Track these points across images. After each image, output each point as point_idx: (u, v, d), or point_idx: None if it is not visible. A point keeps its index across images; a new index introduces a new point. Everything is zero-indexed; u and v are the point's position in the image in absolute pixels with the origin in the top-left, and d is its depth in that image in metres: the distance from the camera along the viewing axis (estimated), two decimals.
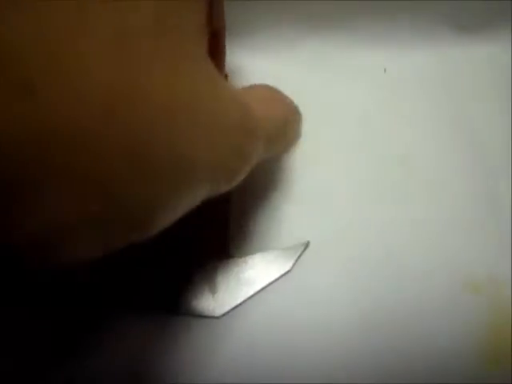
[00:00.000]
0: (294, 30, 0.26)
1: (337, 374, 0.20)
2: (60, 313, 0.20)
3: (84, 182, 0.09)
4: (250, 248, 0.22)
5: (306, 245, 0.22)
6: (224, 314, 0.21)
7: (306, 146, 0.24)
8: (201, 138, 0.11)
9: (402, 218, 0.23)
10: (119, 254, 0.11)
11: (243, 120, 0.14)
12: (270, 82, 0.23)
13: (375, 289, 0.21)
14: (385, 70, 0.26)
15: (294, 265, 0.21)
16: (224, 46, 0.17)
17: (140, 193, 0.10)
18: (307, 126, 0.24)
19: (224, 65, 0.19)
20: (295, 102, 0.24)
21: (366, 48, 0.26)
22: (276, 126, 0.17)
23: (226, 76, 0.21)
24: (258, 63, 0.22)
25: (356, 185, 0.23)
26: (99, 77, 0.09)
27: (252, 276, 0.21)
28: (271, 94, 0.18)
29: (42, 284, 0.19)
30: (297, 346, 0.20)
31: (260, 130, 0.15)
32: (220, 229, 0.22)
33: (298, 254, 0.22)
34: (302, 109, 0.24)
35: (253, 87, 0.18)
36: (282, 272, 0.21)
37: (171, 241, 0.21)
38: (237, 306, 0.21)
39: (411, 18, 0.26)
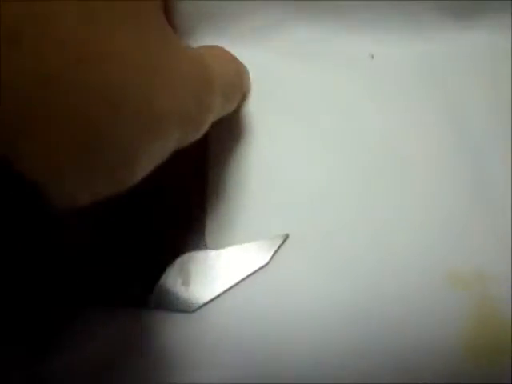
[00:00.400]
0: (279, 17, 0.25)
1: (315, 369, 0.19)
2: (29, 312, 0.19)
3: (70, 121, 0.11)
4: (227, 240, 0.21)
5: (285, 237, 0.21)
6: (198, 309, 0.20)
7: (289, 136, 0.23)
8: (166, 88, 0.13)
9: (388, 211, 0.22)
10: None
11: (202, 72, 0.16)
12: (254, 69, 0.22)
13: (357, 284, 0.21)
14: (372, 57, 0.25)
15: (271, 258, 0.21)
16: (171, 10, 0.21)
17: (117, 134, 0.12)
18: (292, 116, 0.23)
19: (173, 26, 0.22)
20: (279, 90, 0.23)
21: (353, 34, 0.25)
22: (229, 80, 0.20)
23: None
24: (242, 51, 0.21)
25: (340, 176, 0.23)
26: (74, 33, 0.11)
27: (227, 269, 0.21)
28: (223, 53, 0.20)
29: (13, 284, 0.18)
30: (272, 343, 0.20)
31: (216, 82, 0.16)
32: (195, 220, 0.21)
33: (275, 246, 0.21)
34: (286, 97, 0.24)
35: (205, 47, 0.20)
36: (259, 265, 0.21)
37: (144, 231, 0.20)
38: (211, 300, 0.20)
39: (401, 2, 0.25)
